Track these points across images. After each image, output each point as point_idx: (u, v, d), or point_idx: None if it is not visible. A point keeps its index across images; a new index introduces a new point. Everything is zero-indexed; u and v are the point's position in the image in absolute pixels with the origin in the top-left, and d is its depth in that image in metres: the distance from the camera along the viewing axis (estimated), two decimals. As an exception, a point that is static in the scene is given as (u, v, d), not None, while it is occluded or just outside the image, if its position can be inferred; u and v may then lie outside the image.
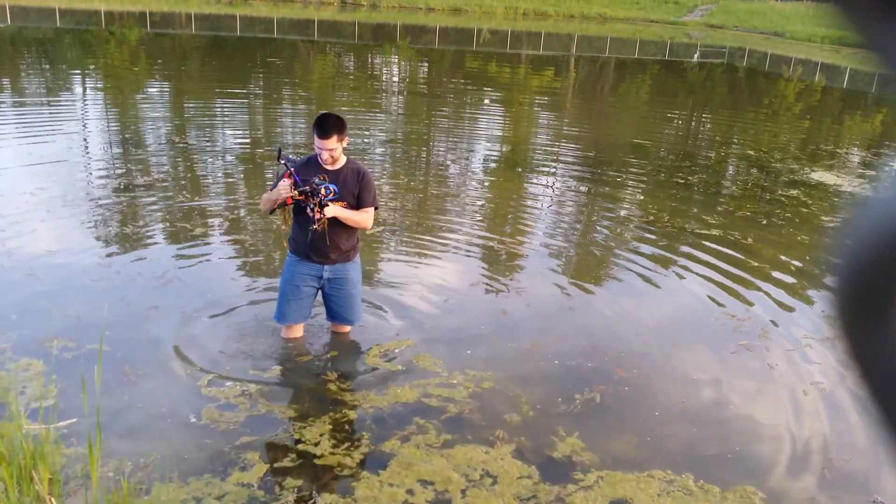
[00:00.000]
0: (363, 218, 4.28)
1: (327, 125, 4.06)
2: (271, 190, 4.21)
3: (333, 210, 4.09)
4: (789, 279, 6.43)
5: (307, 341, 4.71)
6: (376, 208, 4.37)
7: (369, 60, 23.49)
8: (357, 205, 4.26)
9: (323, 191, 4.04)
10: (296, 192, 4.00)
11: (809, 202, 8.93)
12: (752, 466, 3.80)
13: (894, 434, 0.32)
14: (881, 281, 0.31)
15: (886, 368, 0.32)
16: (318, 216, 4.03)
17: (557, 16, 43.68)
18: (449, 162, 10.44)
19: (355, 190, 4.23)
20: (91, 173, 8.35)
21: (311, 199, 4.02)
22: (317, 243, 4.21)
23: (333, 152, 4.11)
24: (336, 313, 4.61)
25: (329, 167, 4.19)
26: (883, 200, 0.30)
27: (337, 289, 4.47)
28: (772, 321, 5.52)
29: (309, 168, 4.18)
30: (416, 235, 6.93)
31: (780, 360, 4.93)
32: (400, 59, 24.00)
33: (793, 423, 4.22)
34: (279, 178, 4.15)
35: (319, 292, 4.51)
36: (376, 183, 8.46)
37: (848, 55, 31.72)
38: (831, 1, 0.30)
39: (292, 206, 4.15)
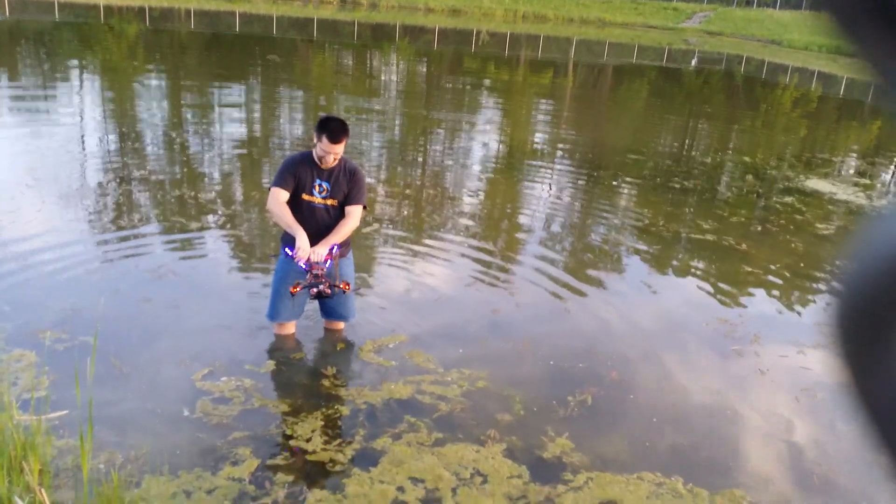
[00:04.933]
0: (352, 226, 4.27)
1: (339, 131, 4.05)
2: (278, 190, 4.18)
3: (324, 252, 4.09)
4: (782, 285, 6.46)
5: (302, 337, 4.71)
6: (364, 207, 4.35)
7: (368, 60, 23.50)
8: (345, 202, 4.26)
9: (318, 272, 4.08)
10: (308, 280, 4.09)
11: (804, 210, 8.96)
12: (741, 471, 3.82)
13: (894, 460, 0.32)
14: (887, 306, 0.30)
15: (889, 396, 0.31)
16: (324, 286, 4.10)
17: (556, 19, 43.76)
18: (445, 164, 10.45)
19: (346, 188, 4.24)
20: (87, 165, 8.34)
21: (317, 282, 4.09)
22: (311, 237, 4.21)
23: (339, 155, 4.13)
24: (332, 310, 4.61)
25: (325, 166, 4.20)
26: (890, 222, 0.30)
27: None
28: (764, 327, 5.55)
29: (306, 166, 4.18)
30: (411, 235, 6.94)
31: (772, 366, 4.95)
32: (399, 59, 24.00)
33: (783, 429, 4.24)
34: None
35: None
36: (372, 183, 8.54)
37: (844, 64, 31.85)
38: (828, 12, 0.30)
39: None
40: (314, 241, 4.20)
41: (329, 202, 4.22)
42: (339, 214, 4.27)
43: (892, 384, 0.31)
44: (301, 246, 4.07)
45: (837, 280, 0.32)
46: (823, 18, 0.30)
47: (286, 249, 4.21)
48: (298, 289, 4.10)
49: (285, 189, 4.17)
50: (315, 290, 4.07)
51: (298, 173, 4.17)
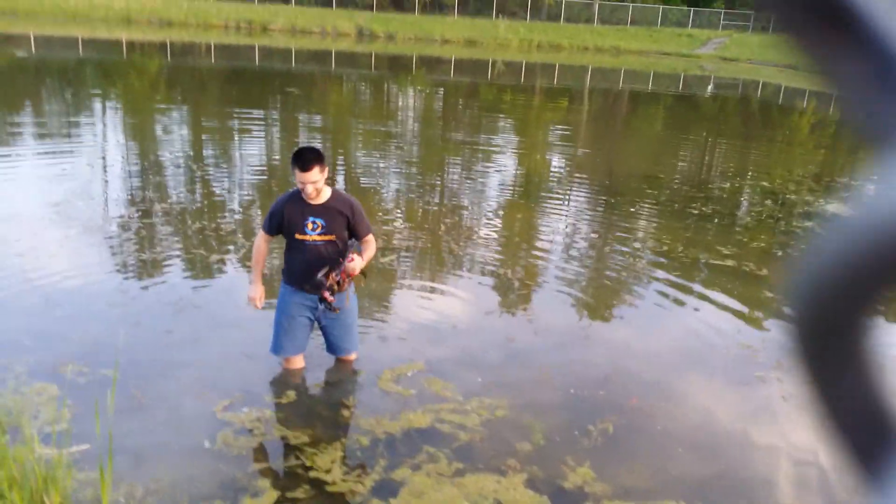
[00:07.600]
0: (370, 254, 4.31)
1: (306, 158, 3.99)
2: (265, 231, 4.29)
3: (360, 264, 4.13)
4: (805, 311, 6.37)
5: (321, 367, 4.71)
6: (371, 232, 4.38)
7: (385, 90, 23.75)
8: (352, 237, 4.26)
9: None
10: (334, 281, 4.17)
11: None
12: (766, 499, 3.75)
13: (862, 472, 0.30)
14: (850, 302, 0.28)
15: (854, 403, 0.30)
16: (345, 283, 4.20)
17: (571, 48, 44.01)
18: (461, 191, 10.49)
19: (345, 223, 4.20)
20: (110, 199, 8.46)
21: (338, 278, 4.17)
22: (311, 274, 4.15)
23: (317, 184, 4.05)
24: (334, 345, 4.59)
25: (313, 201, 4.15)
26: (861, 215, 0.28)
27: (333, 318, 4.44)
28: (786, 353, 5.47)
29: (295, 205, 4.16)
30: (428, 261, 6.96)
31: (795, 393, 4.87)
32: (416, 89, 24.24)
33: (808, 456, 4.16)
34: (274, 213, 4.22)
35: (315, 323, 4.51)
36: (389, 210, 8.59)
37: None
38: (784, 32, 0.29)
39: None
40: (313, 277, 4.15)
41: (325, 238, 4.17)
42: (337, 250, 4.20)
43: (853, 389, 0.30)
44: (251, 295, 4.36)
45: (798, 277, 0.30)
46: (781, 39, 0.29)
47: (286, 283, 4.26)
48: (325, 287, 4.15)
49: (268, 233, 4.27)
50: (328, 292, 4.16)
51: (286, 214, 4.15)
